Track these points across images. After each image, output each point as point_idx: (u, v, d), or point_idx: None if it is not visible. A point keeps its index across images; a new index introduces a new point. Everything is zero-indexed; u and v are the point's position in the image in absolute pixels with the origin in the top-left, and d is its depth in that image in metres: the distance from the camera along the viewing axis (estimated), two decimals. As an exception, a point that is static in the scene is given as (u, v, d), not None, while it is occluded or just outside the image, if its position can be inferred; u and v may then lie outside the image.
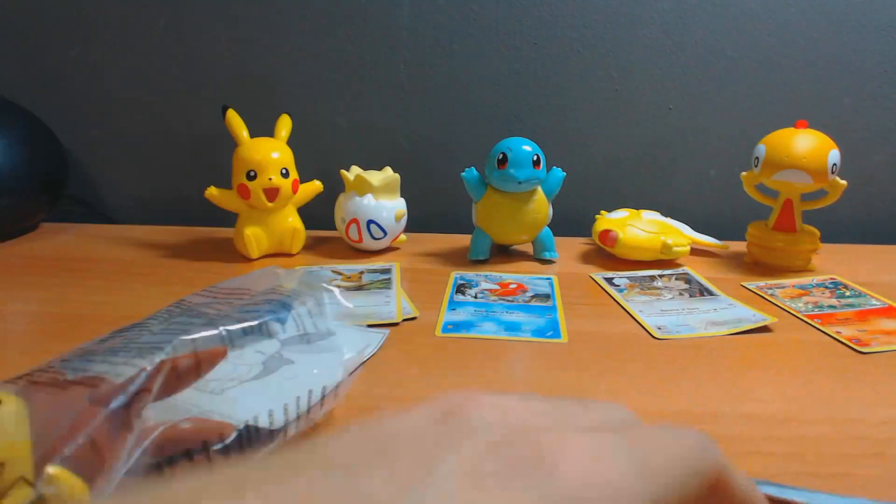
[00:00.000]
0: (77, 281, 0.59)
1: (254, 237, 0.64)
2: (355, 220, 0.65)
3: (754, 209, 0.69)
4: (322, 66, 0.76)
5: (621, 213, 0.68)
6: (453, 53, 0.75)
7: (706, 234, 0.69)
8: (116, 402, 0.24)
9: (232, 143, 0.65)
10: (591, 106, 0.76)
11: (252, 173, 0.62)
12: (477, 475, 0.14)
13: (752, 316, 0.52)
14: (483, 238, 0.65)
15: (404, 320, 0.51)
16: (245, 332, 0.37)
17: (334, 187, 0.69)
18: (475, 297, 0.56)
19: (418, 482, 0.13)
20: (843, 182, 0.61)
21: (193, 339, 0.35)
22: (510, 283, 0.59)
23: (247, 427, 0.30)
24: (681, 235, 0.65)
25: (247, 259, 0.65)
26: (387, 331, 0.49)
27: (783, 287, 0.59)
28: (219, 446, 0.28)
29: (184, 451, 0.27)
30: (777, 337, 0.49)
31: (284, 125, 0.66)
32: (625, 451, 0.15)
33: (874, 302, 0.55)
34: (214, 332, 0.36)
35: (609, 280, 0.61)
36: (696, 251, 0.69)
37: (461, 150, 0.77)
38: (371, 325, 0.49)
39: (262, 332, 0.37)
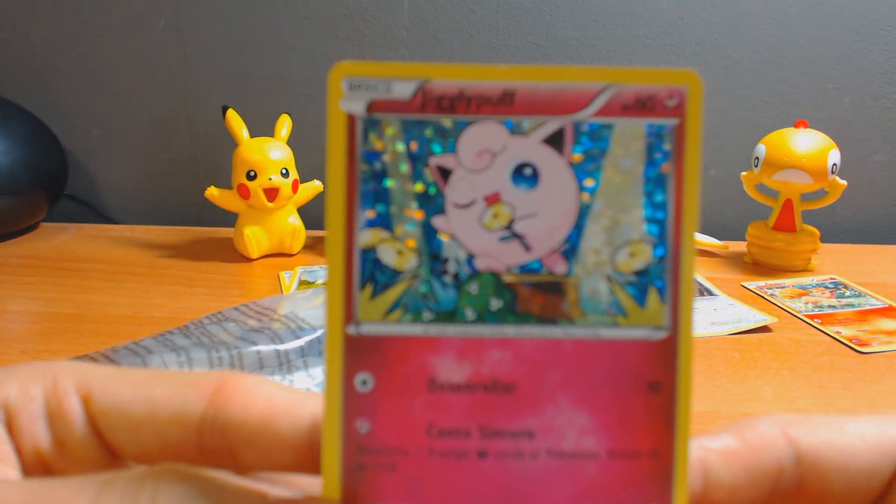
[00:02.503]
0: (77, 281, 0.59)
1: (253, 237, 0.64)
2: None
3: (754, 209, 0.69)
4: (322, 66, 0.76)
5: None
6: (453, 53, 0.75)
7: (706, 234, 0.69)
8: None
9: (232, 143, 0.65)
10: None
11: (252, 173, 0.62)
12: None
13: (752, 316, 0.52)
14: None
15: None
16: (303, 351, 0.39)
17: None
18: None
19: None
20: (844, 182, 0.61)
21: (259, 351, 0.39)
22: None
23: None
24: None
25: (247, 259, 0.65)
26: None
27: (783, 287, 0.59)
28: None
29: None
30: (777, 337, 0.50)
31: (284, 125, 0.66)
32: None
33: (874, 302, 0.55)
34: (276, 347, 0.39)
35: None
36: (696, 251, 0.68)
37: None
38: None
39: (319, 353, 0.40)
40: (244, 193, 0.63)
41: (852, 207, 0.76)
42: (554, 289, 0.15)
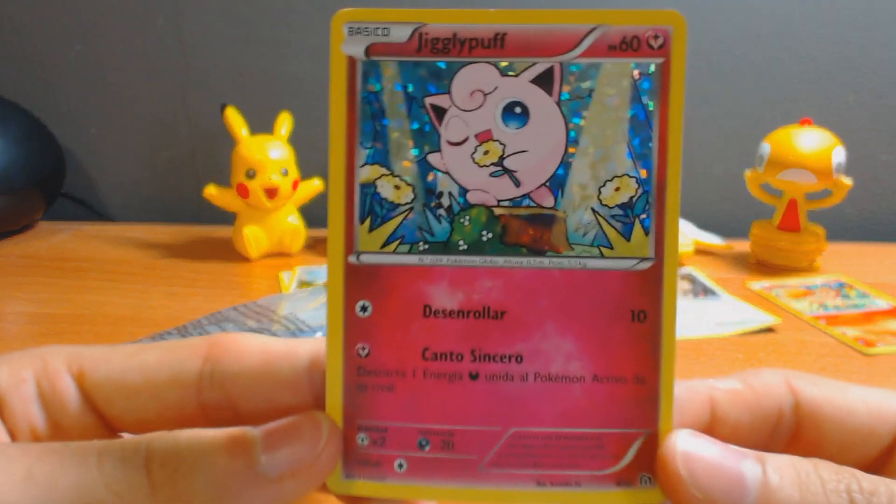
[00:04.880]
0: (74, 281, 0.59)
1: (253, 236, 0.64)
2: (355, 220, 0.64)
3: (758, 207, 0.68)
4: (322, 64, 0.76)
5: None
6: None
7: (709, 234, 0.69)
8: None
9: (231, 140, 0.64)
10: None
11: (251, 172, 0.62)
12: None
13: (756, 316, 0.51)
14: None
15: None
16: None
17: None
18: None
19: None
20: (849, 182, 0.60)
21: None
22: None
23: None
24: (684, 235, 0.65)
25: (246, 259, 0.65)
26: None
27: (788, 287, 0.58)
28: None
29: None
30: (781, 338, 0.49)
31: (284, 123, 0.66)
32: None
33: (879, 302, 0.55)
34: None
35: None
36: (699, 251, 0.68)
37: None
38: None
39: None
40: (243, 193, 0.62)
41: (858, 206, 0.76)
42: (542, 221, 0.16)
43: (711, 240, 0.68)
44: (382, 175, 0.16)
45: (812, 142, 0.59)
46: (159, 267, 0.63)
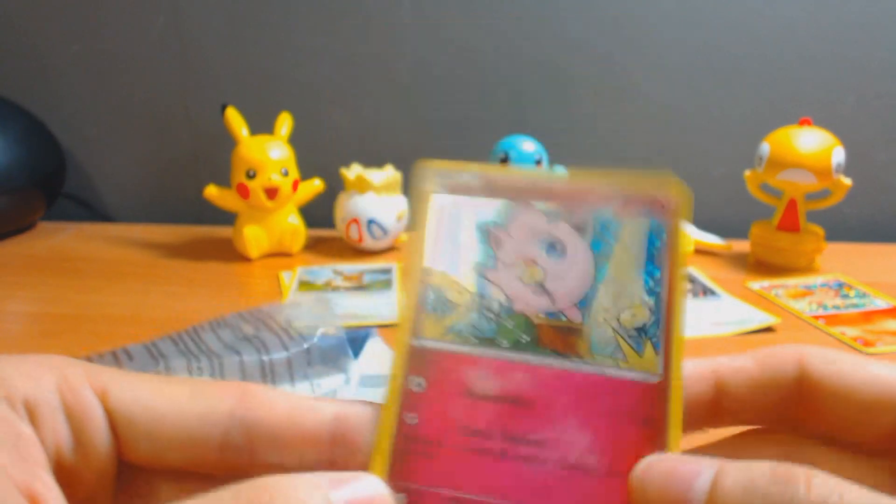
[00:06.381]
0: (75, 281, 0.59)
1: (253, 237, 0.64)
2: (355, 220, 0.64)
3: (758, 207, 0.68)
4: (322, 63, 0.76)
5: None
6: (454, 47, 0.75)
7: (709, 234, 0.69)
8: None
9: (232, 141, 0.64)
10: (595, 105, 0.76)
11: (251, 172, 0.62)
12: None
13: (755, 316, 0.51)
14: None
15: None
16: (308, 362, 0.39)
17: (335, 186, 0.69)
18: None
19: None
20: (848, 182, 0.60)
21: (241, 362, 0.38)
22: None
23: None
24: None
25: (246, 258, 0.65)
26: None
27: (787, 287, 0.58)
28: None
29: None
30: (781, 337, 0.49)
31: (284, 123, 0.66)
32: None
33: (878, 302, 0.55)
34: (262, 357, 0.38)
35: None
36: (699, 251, 0.68)
37: (464, 146, 0.77)
38: (373, 325, 0.49)
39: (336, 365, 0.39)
40: (243, 193, 0.62)
41: (857, 206, 0.76)
42: (570, 333, 0.19)
43: (711, 240, 0.68)
44: (449, 280, 0.19)
45: (811, 142, 0.59)
46: (159, 267, 0.63)
